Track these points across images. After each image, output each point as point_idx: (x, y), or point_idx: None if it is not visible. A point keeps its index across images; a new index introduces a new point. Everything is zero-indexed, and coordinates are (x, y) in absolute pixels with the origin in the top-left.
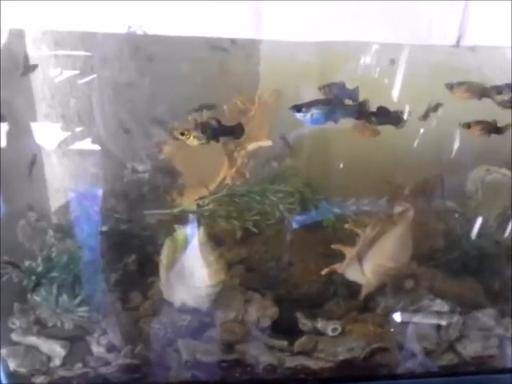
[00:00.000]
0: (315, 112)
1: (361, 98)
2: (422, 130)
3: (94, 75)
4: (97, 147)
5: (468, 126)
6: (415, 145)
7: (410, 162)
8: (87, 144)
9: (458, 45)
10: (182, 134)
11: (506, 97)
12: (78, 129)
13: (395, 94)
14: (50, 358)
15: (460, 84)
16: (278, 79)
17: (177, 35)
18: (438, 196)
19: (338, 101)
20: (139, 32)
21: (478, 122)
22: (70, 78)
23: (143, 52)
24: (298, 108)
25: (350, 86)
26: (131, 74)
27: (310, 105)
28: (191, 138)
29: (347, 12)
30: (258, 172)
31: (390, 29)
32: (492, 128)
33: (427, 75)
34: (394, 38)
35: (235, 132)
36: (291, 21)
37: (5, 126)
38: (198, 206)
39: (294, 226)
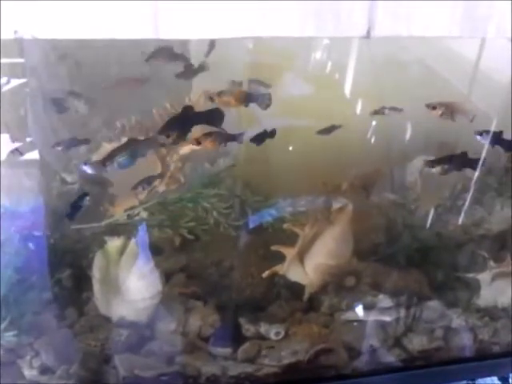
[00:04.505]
0: (120, 160)
1: None
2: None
3: (22, 82)
4: (30, 159)
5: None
6: (359, 140)
7: (353, 157)
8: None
9: (368, 36)
10: None
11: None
12: (10, 141)
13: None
14: None
15: (220, 93)
16: (212, 80)
17: (102, 38)
18: (384, 189)
19: (133, 141)
20: (27, 37)
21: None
22: None
23: (71, 58)
24: (103, 163)
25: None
26: (61, 81)
27: (111, 156)
28: None
29: (253, 7)
30: (193, 176)
31: (296, 23)
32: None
33: (368, 69)
34: (300, 32)
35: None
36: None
37: None
38: (129, 216)
39: (233, 230)
